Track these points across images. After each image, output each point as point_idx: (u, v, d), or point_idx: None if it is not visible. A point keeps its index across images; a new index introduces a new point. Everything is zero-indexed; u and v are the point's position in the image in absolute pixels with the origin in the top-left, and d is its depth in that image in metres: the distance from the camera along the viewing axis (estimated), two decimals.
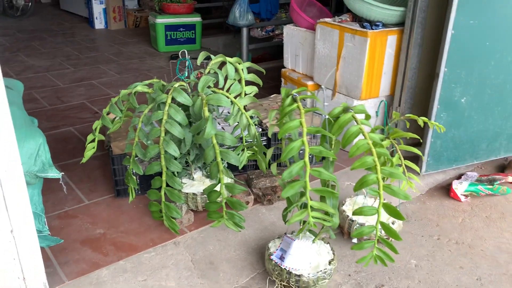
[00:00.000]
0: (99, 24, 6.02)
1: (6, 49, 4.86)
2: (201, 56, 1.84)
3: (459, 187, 2.26)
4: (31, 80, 3.82)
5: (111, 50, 4.95)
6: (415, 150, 1.75)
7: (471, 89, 2.21)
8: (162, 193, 1.76)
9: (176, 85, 1.72)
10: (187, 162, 1.98)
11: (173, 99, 1.70)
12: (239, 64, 1.88)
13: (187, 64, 1.86)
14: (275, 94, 2.86)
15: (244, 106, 2.51)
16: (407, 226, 2.05)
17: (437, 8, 2.22)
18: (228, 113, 1.83)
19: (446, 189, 2.35)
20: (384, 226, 1.40)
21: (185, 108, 1.78)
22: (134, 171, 1.91)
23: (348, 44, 2.48)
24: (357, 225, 1.87)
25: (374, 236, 1.50)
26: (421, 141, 1.92)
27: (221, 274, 1.72)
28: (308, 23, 2.85)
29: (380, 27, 2.39)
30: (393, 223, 1.88)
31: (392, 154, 1.87)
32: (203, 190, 1.77)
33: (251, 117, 1.98)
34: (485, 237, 2.01)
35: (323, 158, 1.60)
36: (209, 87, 1.79)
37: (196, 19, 4.97)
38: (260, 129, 2.35)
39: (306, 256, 1.59)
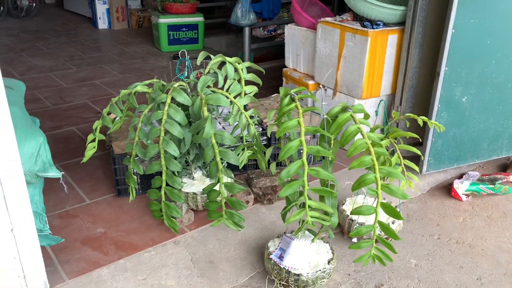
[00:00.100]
0: (102, 24, 6.04)
1: (10, 49, 4.89)
2: (201, 56, 1.85)
3: (460, 187, 2.26)
4: (35, 80, 3.84)
5: (114, 50, 4.97)
6: (415, 150, 1.75)
7: (472, 88, 2.21)
8: (162, 192, 1.77)
9: (176, 85, 1.73)
10: (187, 161, 1.99)
11: (172, 99, 1.71)
12: (238, 64, 1.89)
13: (186, 64, 1.87)
14: (276, 94, 2.86)
15: (245, 106, 2.52)
16: (407, 225, 2.05)
17: (438, 7, 2.22)
18: (229, 112, 1.83)
19: (447, 189, 2.35)
20: (382, 226, 1.40)
21: (184, 108, 1.79)
22: (134, 170, 1.92)
23: (349, 43, 2.48)
24: (357, 224, 1.87)
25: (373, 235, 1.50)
26: (420, 140, 1.92)
27: (220, 273, 1.72)
28: (309, 23, 2.85)
29: (381, 26, 2.39)
30: (393, 223, 1.88)
31: (393, 153, 1.87)
32: (203, 189, 1.78)
33: (251, 117, 1.98)
34: (486, 236, 2.01)
35: (323, 157, 1.61)
36: (208, 87, 1.80)
37: (198, 19, 4.98)
38: (261, 129, 2.35)
39: (305, 255, 1.60)
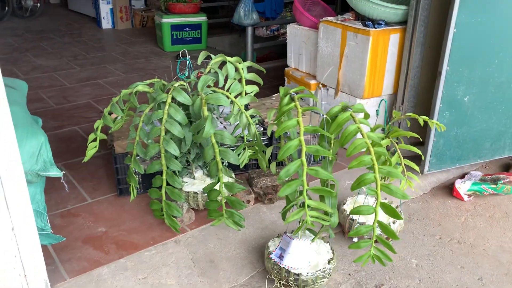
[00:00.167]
0: (106, 24, 6.06)
1: (15, 49, 4.92)
2: (202, 56, 1.85)
3: (462, 186, 2.25)
4: (38, 80, 3.86)
5: (117, 49, 4.99)
6: (415, 149, 1.75)
7: (474, 87, 2.19)
8: (163, 191, 1.78)
9: (176, 84, 1.73)
10: (188, 161, 1.99)
11: (173, 99, 1.71)
12: (239, 63, 1.89)
13: (187, 64, 1.87)
14: (278, 93, 2.86)
15: (247, 105, 2.53)
16: (408, 225, 2.05)
17: (440, 7, 2.21)
18: (230, 112, 1.84)
19: (449, 189, 2.34)
20: (382, 226, 1.40)
21: (185, 107, 1.79)
22: (135, 170, 1.93)
23: (350, 42, 2.47)
24: (358, 224, 1.87)
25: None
26: (421, 140, 1.91)
27: (221, 273, 1.73)
28: (311, 22, 2.84)
29: (382, 25, 2.39)
30: (393, 223, 1.87)
31: (394, 153, 1.87)
32: (203, 188, 1.78)
33: (252, 116, 1.99)
34: (487, 236, 2.00)
35: (324, 157, 1.60)
36: (209, 86, 1.80)
37: (201, 18, 4.98)
38: (262, 128, 2.35)
39: (305, 255, 1.60)
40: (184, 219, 1.95)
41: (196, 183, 2.02)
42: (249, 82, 1.97)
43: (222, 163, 1.70)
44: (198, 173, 2.07)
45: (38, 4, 6.74)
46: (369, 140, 1.41)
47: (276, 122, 1.49)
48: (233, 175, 2.09)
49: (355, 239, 1.86)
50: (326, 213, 1.57)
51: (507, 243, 1.95)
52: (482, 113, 2.29)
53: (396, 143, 1.78)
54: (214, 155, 1.66)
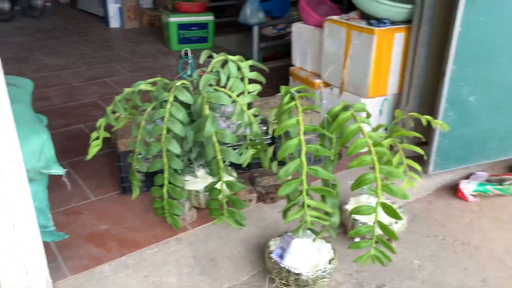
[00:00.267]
0: (114, 23, 6.09)
1: (24, 48, 4.96)
2: (204, 55, 1.85)
3: (467, 187, 2.23)
4: (46, 78, 3.89)
5: (125, 48, 5.01)
6: (417, 149, 1.73)
7: (480, 87, 2.17)
8: (165, 190, 1.78)
9: (178, 83, 1.73)
10: (190, 159, 2.00)
11: (175, 97, 1.71)
12: (241, 62, 1.89)
13: (189, 63, 1.87)
14: None
15: (251, 104, 2.52)
16: (412, 226, 2.03)
17: (445, 5, 2.18)
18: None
19: (454, 189, 2.31)
20: (382, 226, 1.39)
21: (187, 106, 1.79)
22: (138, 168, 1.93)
23: (355, 41, 2.46)
24: (360, 224, 1.86)
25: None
26: (424, 140, 1.89)
27: (221, 271, 1.73)
28: (316, 21, 2.83)
29: (387, 24, 2.37)
30: (396, 223, 1.86)
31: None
32: (204, 187, 1.78)
33: (256, 115, 1.98)
34: (493, 238, 1.97)
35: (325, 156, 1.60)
36: (211, 85, 1.80)
37: (208, 17, 4.99)
38: (265, 127, 2.35)
39: (306, 255, 1.59)
40: (186, 217, 1.95)
41: (198, 181, 2.02)
42: (252, 81, 1.97)
43: (224, 162, 1.70)
44: (201, 172, 2.08)
45: (48, 4, 6.79)
46: (370, 139, 1.40)
47: (274, 120, 1.49)
48: (235, 174, 2.09)
49: (357, 239, 1.84)
50: (327, 213, 1.56)
51: None
52: (488, 113, 2.26)
53: (399, 143, 1.76)
54: (215, 153, 1.66)
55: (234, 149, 1.88)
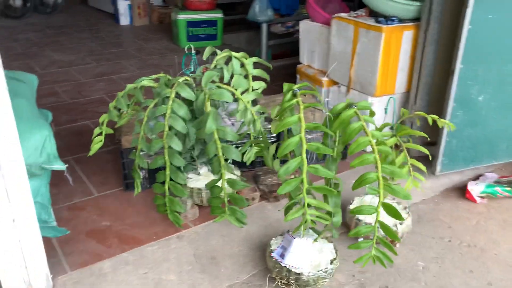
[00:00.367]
0: (124, 20, 6.10)
1: (34, 44, 5.00)
2: (207, 51, 1.84)
3: (475, 188, 2.18)
4: (54, 74, 3.91)
5: (134, 45, 5.02)
6: (422, 149, 1.70)
7: (490, 87, 2.12)
8: (166, 187, 1.77)
9: (181, 80, 1.72)
10: (193, 157, 1.98)
11: (177, 94, 1.70)
12: (245, 59, 1.87)
13: (192, 59, 1.86)
14: None
15: (257, 102, 2.50)
16: (417, 227, 1.99)
17: (455, 3, 2.14)
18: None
19: (462, 190, 2.27)
20: (383, 226, 1.36)
21: (190, 103, 1.78)
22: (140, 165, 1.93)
23: (362, 39, 2.43)
24: (363, 224, 1.83)
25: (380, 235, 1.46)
26: (429, 139, 1.86)
27: (222, 270, 1.71)
28: (324, 18, 2.80)
29: (395, 22, 2.33)
30: (400, 224, 1.83)
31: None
32: (205, 185, 1.77)
33: (262, 113, 1.96)
34: (499, 240, 1.93)
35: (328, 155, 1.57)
36: (214, 82, 1.78)
37: (217, 15, 4.98)
38: (270, 125, 2.32)
39: (307, 254, 1.57)
40: (188, 215, 1.94)
41: (200, 179, 2.01)
42: (256, 78, 1.95)
43: (227, 160, 1.69)
44: (203, 170, 2.06)
45: (60, 1, 6.84)
46: (373, 138, 1.37)
47: (275, 118, 1.47)
48: (238, 172, 2.07)
49: (361, 239, 1.82)
50: (330, 212, 1.54)
51: None
52: (497, 113, 2.21)
53: (405, 142, 1.73)
54: (216, 151, 1.64)
55: (238, 147, 1.87)
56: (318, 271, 1.54)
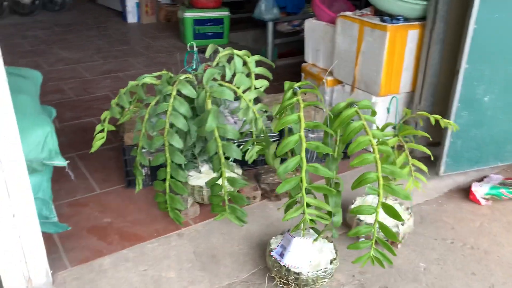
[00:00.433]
0: (131, 18, 6.12)
1: (42, 41, 5.03)
2: (210, 49, 1.83)
3: (479, 190, 2.16)
4: (61, 71, 3.93)
5: (141, 43, 5.04)
6: (424, 149, 1.68)
7: (496, 87, 2.10)
8: (167, 184, 1.77)
9: (182, 77, 1.72)
10: (194, 154, 1.98)
11: (179, 92, 1.70)
12: (247, 57, 1.86)
13: (194, 57, 1.86)
14: None
15: (260, 100, 2.49)
16: (419, 228, 1.98)
17: (460, 2, 2.11)
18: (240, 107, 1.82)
19: (466, 192, 2.25)
20: (382, 226, 1.35)
21: (191, 100, 1.78)
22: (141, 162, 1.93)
23: (367, 38, 2.41)
24: (365, 224, 1.82)
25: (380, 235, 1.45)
26: (431, 139, 1.84)
27: (222, 268, 1.71)
28: (329, 17, 2.78)
29: (400, 21, 2.31)
30: (402, 224, 1.81)
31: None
32: (205, 182, 1.77)
33: (265, 111, 1.96)
34: (503, 243, 1.91)
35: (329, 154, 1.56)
36: (216, 80, 1.78)
37: (224, 13, 4.97)
38: None
39: (306, 254, 1.56)
40: (189, 212, 1.94)
41: (202, 177, 2.01)
42: (260, 77, 1.94)
43: (228, 158, 1.68)
44: (205, 168, 2.06)
45: None
46: (374, 138, 1.36)
47: (275, 116, 1.46)
48: (240, 171, 2.07)
49: (362, 239, 1.80)
50: (330, 212, 1.53)
51: None
52: (504, 114, 2.18)
53: (405, 142, 1.71)
54: (217, 149, 1.64)
55: (240, 145, 1.86)
56: (317, 271, 1.53)
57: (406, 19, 2.35)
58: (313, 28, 2.93)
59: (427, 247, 1.87)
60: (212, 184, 1.71)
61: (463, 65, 2.00)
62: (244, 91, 1.84)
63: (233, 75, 1.87)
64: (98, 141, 1.84)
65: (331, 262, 1.58)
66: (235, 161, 2.08)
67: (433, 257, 1.81)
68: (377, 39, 2.35)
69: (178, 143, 1.68)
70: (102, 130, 1.85)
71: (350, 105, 1.45)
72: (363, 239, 1.80)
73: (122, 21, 6.19)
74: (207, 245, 1.81)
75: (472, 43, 1.97)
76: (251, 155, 2.00)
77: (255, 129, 1.85)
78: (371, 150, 1.37)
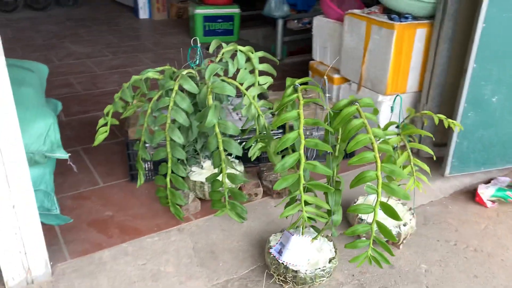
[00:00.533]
0: (143, 14, 6.15)
1: (54, 36, 5.08)
2: (213, 45, 1.83)
3: (485, 192, 2.12)
4: (71, 66, 3.96)
5: (151, 39, 5.06)
6: (427, 149, 1.65)
7: (504, 87, 2.06)
8: (168, 179, 1.77)
9: (184, 72, 1.72)
10: (196, 150, 1.98)
11: (180, 87, 1.70)
12: (251, 53, 1.85)
13: (197, 52, 1.85)
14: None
15: (265, 97, 2.48)
16: (423, 229, 1.95)
17: (471, 0, 2.08)
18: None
19: (472, 193, 2.21)
20: (380, 226, 1.33)
21: (194, 96, 1.78)
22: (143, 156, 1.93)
23: (374, 36, 2.38)
24: (366, 223, 1.80)
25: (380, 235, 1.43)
26: (434, 139, 1.81)
27: (220, 264, 1.71)
28: (337, 15, 2.76)
29: (409, 19, 2.28)
30: (404, 225, 1.79)
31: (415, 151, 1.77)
32: (206, 178, 1.76)
33: (270, 108, 1.95)
34: (508, 246, 1.88)
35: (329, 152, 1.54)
36: (219, 76, 1.77)
37: (234, 10, 4.97)
38: None
39: (305, 252, 1.55)
40: (189, 208, 1.94)
41: (203, 172, 2.01)
42: (264, 73, 1.93)
43: (230, 154, 1.68)
44: (206, 163, 2.06)
45: None
46: (374, 136, 1.34)
47: (274, 111, 1.45)
48: (242, 168, 2.06)
49: (363, 238, 1.79)
50: (329, 210, 1.51)
51: None
52: None
53: (408, 141, 1.69)
54: (217, 145, 1.63)
55: (242, 142, 1.86)
56: (316, 270, 1.52)
57: (415, 18, 2.32)
58: (321, 26, 2.91)
59: (429, 248, 1.84)
60: (212, 179, 1.70)
61: (471, 64, 1.97)
62: (247, 88, 1.83)
63: (237, 71, 1.87)
64: (101, 135, 1.85)
65: (330, 261, 1.56)
66: (238, 158, 2.08)
67: (435, 259, 1.78)
68: (384, 38, 2.32)
69: (179, 138, 1.68)
70: (105, 124, 1.86)
71: (351, 102, 1.43)
72: (364, 239, 1.79)
73: (134, 17, 6.23)
74: (207, 241, 1.81)
75: (481, 42, 1.93)
76: (253, 152, 1.99)
77: (258, 126, 1.84)
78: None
